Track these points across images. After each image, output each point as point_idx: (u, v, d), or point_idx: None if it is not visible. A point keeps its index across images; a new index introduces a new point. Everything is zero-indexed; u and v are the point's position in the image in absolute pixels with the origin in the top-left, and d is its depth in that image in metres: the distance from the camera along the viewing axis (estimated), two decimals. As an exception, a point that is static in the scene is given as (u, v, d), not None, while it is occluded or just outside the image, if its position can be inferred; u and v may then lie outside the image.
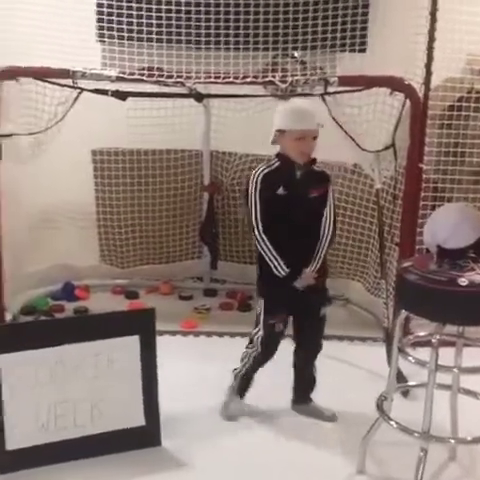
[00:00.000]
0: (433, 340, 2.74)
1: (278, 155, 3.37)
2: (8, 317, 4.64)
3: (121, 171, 5.13)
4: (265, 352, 3.50)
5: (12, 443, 3.06)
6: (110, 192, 5.19)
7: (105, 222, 5.31)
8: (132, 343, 3.21)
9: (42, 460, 3.10)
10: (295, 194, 3.31)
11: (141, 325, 3.24)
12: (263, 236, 3.31)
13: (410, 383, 3.61)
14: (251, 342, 3.52)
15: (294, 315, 3.49)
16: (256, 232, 3.32)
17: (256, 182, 3.30)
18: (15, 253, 4.79)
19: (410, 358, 2.88)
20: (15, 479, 3.03)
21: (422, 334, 3.07)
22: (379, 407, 3.01)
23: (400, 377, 3.78)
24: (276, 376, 3.65)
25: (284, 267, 3.31)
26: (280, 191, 3.29)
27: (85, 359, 3.15)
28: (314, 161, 3.37)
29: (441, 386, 3.05)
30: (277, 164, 3.35)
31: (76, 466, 3.12)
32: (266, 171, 3.32)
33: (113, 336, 3.19)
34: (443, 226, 2.80)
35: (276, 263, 3.31)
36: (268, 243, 3.30)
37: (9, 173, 4.45)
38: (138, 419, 3.25)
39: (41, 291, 5.22)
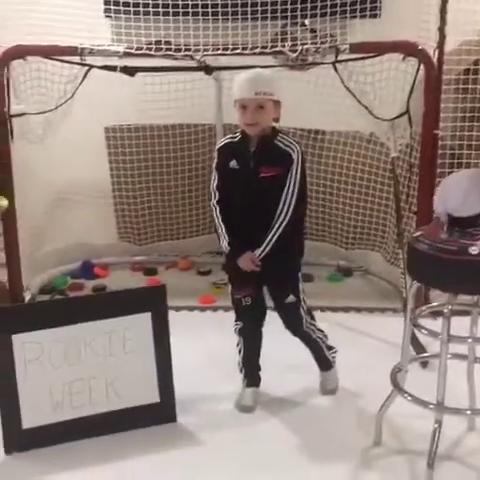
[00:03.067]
0: (445, 310, 2.68)
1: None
2: (27, 297, 4.66)
3: (134, 147, 5.08)
4: (244, 326, 3.38)
5: (28, 422, 3.07)
6: (124, 169, 5.15)
7: (121, 199, 5.29)
8: (144, 320, 3.19)
9: (58, 438, 3.11)
10: (246, 170, 3.14)
11: (153, 302, 3.21)
12: (215, 207, 3.20)
13: (425, 354, 3.56)
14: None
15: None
16: (210, 202, 3.23)
17: (215, 152, 3.24)
18: (33, 233, 4.81)
19: (422, 330, 2.82)
20: (31, 457, 3.05)
21: (435, 304, 3.02)
22: (393, 379, 2.97)
23: (419, 347, 3.75)
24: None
25: (226, 243, 3.18)
26: (232, 164, 3.16)
27: (98, 337, 3.14)
28: (273, 134, 3.15)
29: (458, 356, 3.01)
30: (240, 136, 3.19)
31: (91, 444, 3.13)
32: (226, 142, 3.22)
33: (125, 314, 3.17)
34: (454, 194, 2.70)
35: (222, 238, 3.19)
36: (218, 215, 3.19)
37: (22, 153, 4.46)
38: (153, 396, 3.24)
39: (60, 270, 5.22)
